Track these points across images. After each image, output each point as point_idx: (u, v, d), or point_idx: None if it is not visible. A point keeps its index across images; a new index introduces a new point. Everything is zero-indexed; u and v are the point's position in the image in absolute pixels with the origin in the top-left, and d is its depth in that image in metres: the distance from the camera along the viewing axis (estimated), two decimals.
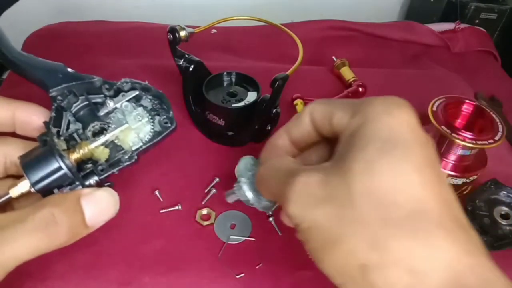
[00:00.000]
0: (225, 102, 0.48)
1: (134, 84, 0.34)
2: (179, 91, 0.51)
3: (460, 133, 0.40)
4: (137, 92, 0.34)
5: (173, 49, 0.48)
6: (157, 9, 0.88)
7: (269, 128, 0.47)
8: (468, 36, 0.72)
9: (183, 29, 0.47)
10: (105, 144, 0.33)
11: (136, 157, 0.33)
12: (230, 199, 0.38)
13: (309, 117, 0.31)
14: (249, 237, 0.40)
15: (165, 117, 0.34)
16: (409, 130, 0.26)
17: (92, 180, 0.32)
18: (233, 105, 0.47)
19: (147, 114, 0.34)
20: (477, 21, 0.76)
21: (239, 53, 0.66)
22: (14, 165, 0.33)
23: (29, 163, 0.30)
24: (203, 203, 0.42)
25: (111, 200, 0.30)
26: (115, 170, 0.32)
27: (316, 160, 0.33)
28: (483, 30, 0.74)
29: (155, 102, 0.35)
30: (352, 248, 0.24)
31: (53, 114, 0.33)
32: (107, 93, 0.34)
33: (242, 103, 0.47)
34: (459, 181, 0.44)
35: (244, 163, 0.37)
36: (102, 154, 0.33)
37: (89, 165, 0.32)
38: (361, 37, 0.70)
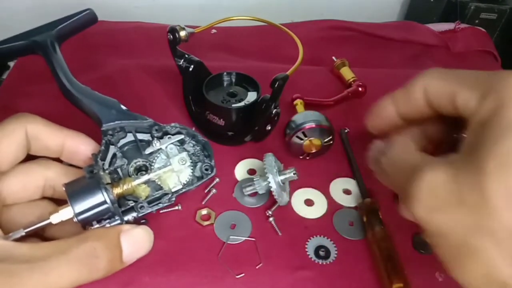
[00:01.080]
0: (225, 102, 0.48)
1: (181, 129, 0.36)
2: (179, 91, 0.51)
3: (460, 133, 0.40)
4: (182, 136, 0.36)
5: (173, 49, 0.48)
6: (157, 9, 0.88)
7: (269, 128, 0.47)
8: (468, 36, 0.72)
9: (183, 29, 0.47)
10: (147, 183, 0.34)
11: (174, 199, 0.34)
12: (246, 191, 0.42)
13: (422, 93, 0.27)
14: (249, 237, 0.40)
15: (207, 164, 0.36)
16: None
17: (130, 216, 0.33)
18: (233, 105, 0.47)
19: (190, 159, 0.35)
20: (477, 21, 0.76)
21: (239, 53, 0.66)
22: (52, 189, 0.34)
23: (75, 193, 0.31)
24: (203, 203, 0.42)
25: (147, 239, 0.31)
26: (153, 209, 0.33)
27: (431, 136, 0.29)
28: (483, 30, 0.74)
29: (197, 147, 0.37)
30: (492, 264, 0.21)
31: (103, 148, 0.34)
32: (155, 134, 0.35)
33: (242, 103, 0.47)
34: None
35: (269, 160, 0.39)
36: (144, 192, 0.34)
37: (130, 201, 0.33)
38: (361, 37, 0.70)
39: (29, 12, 0.81)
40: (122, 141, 0.36)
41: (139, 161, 0.35)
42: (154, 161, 0.35)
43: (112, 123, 0.35)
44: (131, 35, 0.66)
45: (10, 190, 0.32)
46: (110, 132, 0.34)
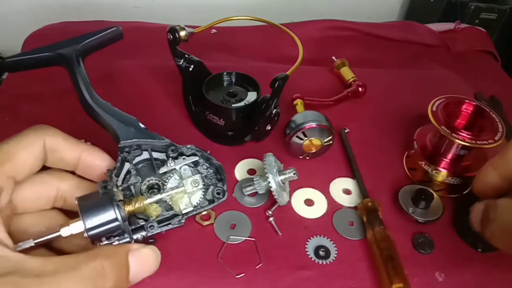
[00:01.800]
0: (225, 102, 0.48)
1: (197, 151, 0.36)
2: (179, 91, 0.51)
3: (460, 133, 0.40)
4: (196, 158, 0.36)
5: (173, 49, 0.48)
6: (157, 9, 0.88)
7: (269, 128, 0.47)
8: (468, 36, 0.72)
9: (183, 29, 0.47)
10: (158, 202, 0.34)
11: (184, 221, 0.34)
12: (246, 191, 0.42)
13: None
14: (249, 237, 0.40)
15: (219, 188, 0.36)
16: None
17: (140, 235, 0.32)
18: (233, 105, 0.47)
19: (202, 182, 0.35)
20: (477, 21, 0.76)
21: (239, 53, 0.66)
22: (63, 200, 0.34)
23: (87, 208, 0.30)
24: None
25: (154, 259, 0.31)
26: (163, 230, 0.33)
27: None
28: (483, 30, 0.74)
29: (211, 170, 0.37)
30: None
31: (118, 164, 0.34)
32: (171, 155, 0.35)
33: (242, 103, 0.47)
34: (459, 181, 0.44)
35: (269, 160, 0.39)
36: (155, 211, 0.34)
37: (141, 220, 0.33)
38: (361, 37, 0.70)
39: (29, 12, 0.81)
40: (137, 159, 0.36)
41: (152, 180, 0.35)
42: (167, 180, 0.35)
43: (129, 141, 0.35)
44: (131, 35, 0.66)
45: (22, 199, 0.32)
46: (127, 149, 0.35)
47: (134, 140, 0.35)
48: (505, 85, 0.66)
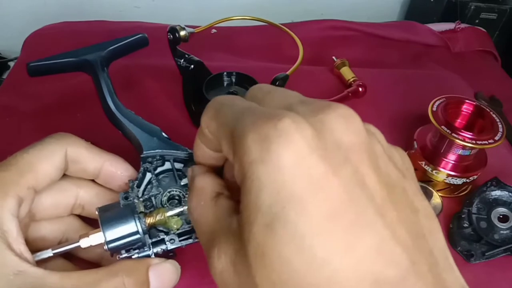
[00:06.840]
0: None
1: None
2: (179, 91, 0.51)
3: (460, 133, 0.40)
4: None
5: (173, 49, 0.48)
6: (157, 9, 0.88)
7: None
8: (468, 36, 0.72)
9: (183, 29, 0.47)
10: (180, 215, 0.34)
11: None
12: None
13: (205, 136, 0.25)
14: None
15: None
16: (298, 175, 0.18)
17: (159, 248, 0.32)
18: None
19: None
20: (477, 21, 0.76)
21: (239, 53, 0.66)
22: (81, 207, 0.34)
23: (108, 219, 0.30)
24: None
25: (174, 274, 0.31)
26: (183, 244, 0.33)
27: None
28: (483, 30, 0.74)
29: None
30: None
31: (140, 175, 0.34)
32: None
33: None
34: (459, 181, 0.44)
35: None
36: (176, 224, 0.33)
37: (161, 233, 0.33)
38: (361, 37, 0.70)
39: (29, 12, 0.81)
40: (159, 169, 0.35)
41: (173, 190, 0.35)
42: (188, 192, 0.35)
43: (152, 151, 0.34)
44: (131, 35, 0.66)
45: (40, 207, 0.32)
46: (149, 160, 0.34)
47: (157, 150, 0.35)
48: (505, 85, 0.66)
